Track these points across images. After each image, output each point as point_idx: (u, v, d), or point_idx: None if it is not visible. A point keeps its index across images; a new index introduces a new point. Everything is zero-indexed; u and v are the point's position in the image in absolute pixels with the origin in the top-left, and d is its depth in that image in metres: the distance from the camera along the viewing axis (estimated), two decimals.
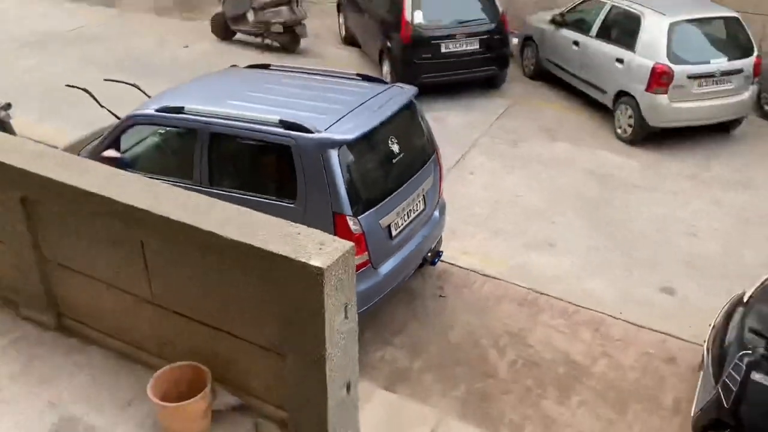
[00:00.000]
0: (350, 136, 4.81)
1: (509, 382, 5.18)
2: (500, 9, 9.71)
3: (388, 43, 9.74)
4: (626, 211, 7.41)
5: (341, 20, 12.41)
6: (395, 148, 5.22)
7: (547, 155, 8.42)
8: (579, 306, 5.91)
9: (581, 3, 9.85)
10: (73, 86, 7.17)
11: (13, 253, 3.21)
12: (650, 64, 8.13)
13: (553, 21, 9.83)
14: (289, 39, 11.76)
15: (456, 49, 9.43)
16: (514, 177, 7.94)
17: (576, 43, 9.48)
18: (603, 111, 9.31)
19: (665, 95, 8.14)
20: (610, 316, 5.81)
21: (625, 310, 5.85)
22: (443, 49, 9.42)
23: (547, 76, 10.38)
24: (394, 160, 5.25)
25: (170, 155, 5.91)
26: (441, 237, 6.10)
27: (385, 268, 5.20)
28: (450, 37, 9.38)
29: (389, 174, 5.31)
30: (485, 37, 9.46)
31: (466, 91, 10.16)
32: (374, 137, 5.14)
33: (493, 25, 9.55)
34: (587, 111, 9.62)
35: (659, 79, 8.05)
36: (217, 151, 5.27)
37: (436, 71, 9.42)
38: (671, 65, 8.11)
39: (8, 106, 7.73)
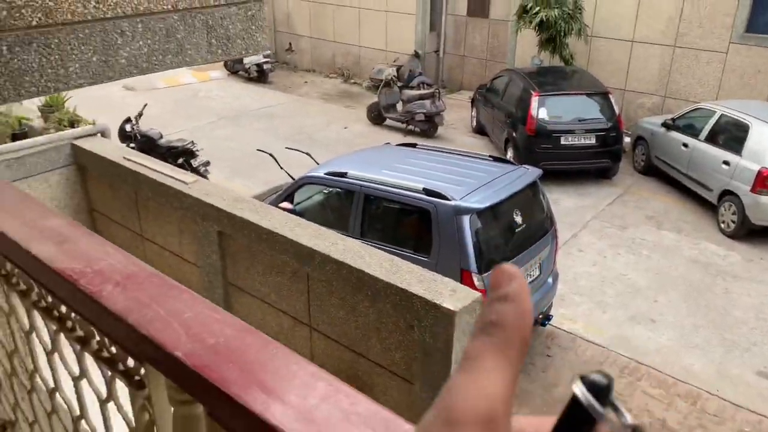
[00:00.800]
0: (481, 206, 5.35)
1: None
2: (617, 110, 10.13)
3: (514, 133, 10.35)
4: (727, 298, 7.37)
5: (473, 113, 13.19)
6: (519, 219, 5.68)
7: (653, 241, 8.54)
8: (677, 379, 5.95)
9: (691, 111, 10.03)
10: (262, 150, 8.37)
11: (206, 275, 3.73)
12: (756, 167, 8.20)
13: (664, 124, 10.08)
14: (429, 126, 12.66)
15: (574, 143, 9.90)
16: (620, 258, 8.11)
17: (685, 144, 9.61)
18: (707, 206, 9.33)
19: None
20: (707, 392, 5.80)
21: (722, 388, 5.85)
22: (563, 142, 9.90)
23: (655, 171, 10.54)
24: (517, 230, 5.70)
25: (332, 210, 6.67)
26: (552, 302, 6.39)
27: None
28: (570, 131, 9.88)
29: (512, 241, 5.75)
30: (601, 133, 9.87)
31: (580, 179, 10.50)
32: (501, 208, 5.63)
33: (609, 124, 9.95)
34: (692, 204, 9.65)
35: (764, 182, 8.10)
36: (370, 209, 5.98)
37: (555, 160, 9.85)
38: None
39: (207, 163, 9.09)
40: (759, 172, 8.21)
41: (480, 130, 12.93)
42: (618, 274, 7.75)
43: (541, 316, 6.29)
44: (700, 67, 11.67)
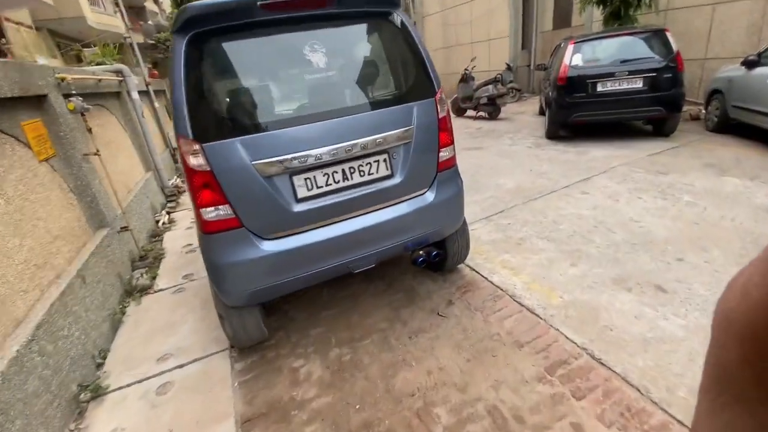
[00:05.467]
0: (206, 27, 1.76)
1: None
2: (674, 47, 5.10)
3: (549, 93, 5.97)
4: None
5: (540, 99, 8.88)
6: (317, 59, 1.93)
7: (705, 187, 3.73)
8: (673, 416, 1.65)
9: None
10: None
11: None
12: None
13: (745, 62, 4.88)
14: (492, 108, 8.86)
15: (614, 88, 5.20)
16: (640, 202, 3.56)
17: None
18: None
19: None
20: None
21: None
22: (599, 88, 5.25)
23: (732, 128, 5.30)
24: (309, 77, 1.97)
25: None
26: (442, 229, 2.37)
27: (282, 244, 1.94)
28: (608, 76, 5.22)
29: (295, 98, 1.99)
30: (651, 74, 5.05)
31: (624, 134, 5.78)
32: (267, 35, 1.87)
33: (663, 63, 5.04)
34: None
35: None
36: None
37: (590, 110, 5.33)
38: None
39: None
40: None
41: (542, 112, 8.33)
42: (626, 220, 3.27)
43: (413, 251, 2.62)
44: None
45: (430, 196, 2.21)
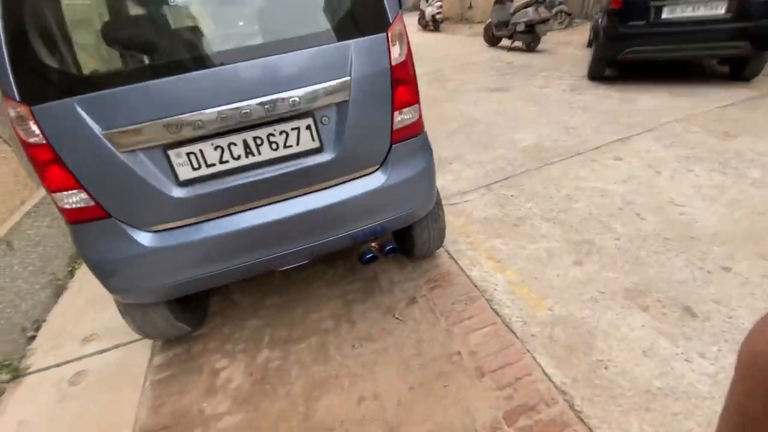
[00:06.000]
0: None
1: None
2: None
3: (599, 20, 4.68)
4: None
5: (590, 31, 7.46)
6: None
7: None
8: None
9: None
10: None
11: None
12: None
13: None
14: (531, 39, 7.29)
15: (683, 15, 3.97)
16: (689, 178, 2.71)
17: None
18: None
19: None
20: None
21: None
22: (665, 15, 4.04)
23: None
24: (185, 3, 1.29)
25: None
26: (404, 217, 1.74)
27: (168, 238, 1.43)
28: None
29: (165, 35, 1.31)
30: None
31: (687, 78, 4.59)
32: None
33: None
34: None
35: None
36: None
37: (649, 44, 4.14)
38: None
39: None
40: None
41: (591, 44, 7.24)
42: (664, 202, 2.47)
43: (365, 244, 1.98)
44: None
45: (380, 178, 1.62)
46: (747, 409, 0.32)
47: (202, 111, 1.31)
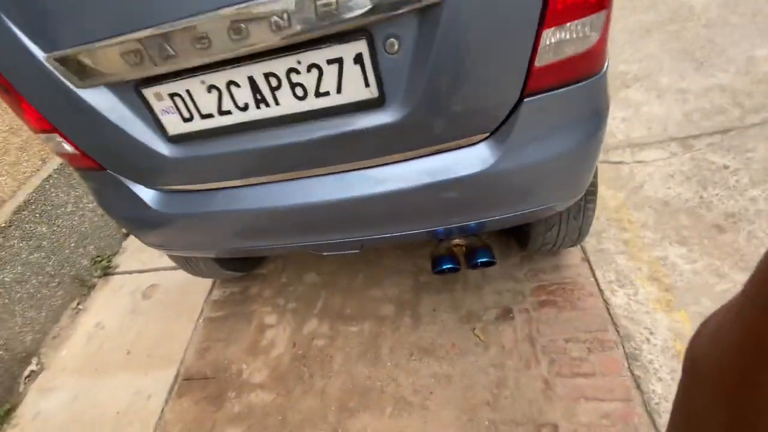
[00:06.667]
0: None
1: None
2: None
3: None
4: None
5: None
6: None
7: None
8: None
9: None
10: None
11: None
12: None
13: None
14: None
15: None
16: None
17: None
18: None
19: None
20: None
21: None
22: None
23: None
24: None
25: None
26: (524, 215, 1.00)
27: (177, 203, 1.04)
28: None
29: None
30: None
31: None
32: None
33: None
34: None
35: None
36: None
37: None
38: None
39: None
40: None
41: None
42: None
43: (453, 245, 1.32)
44: None
45: (489, 155, 0.89)
46: (692, 406, 0.34)
47: (163, 24, 0.72)
